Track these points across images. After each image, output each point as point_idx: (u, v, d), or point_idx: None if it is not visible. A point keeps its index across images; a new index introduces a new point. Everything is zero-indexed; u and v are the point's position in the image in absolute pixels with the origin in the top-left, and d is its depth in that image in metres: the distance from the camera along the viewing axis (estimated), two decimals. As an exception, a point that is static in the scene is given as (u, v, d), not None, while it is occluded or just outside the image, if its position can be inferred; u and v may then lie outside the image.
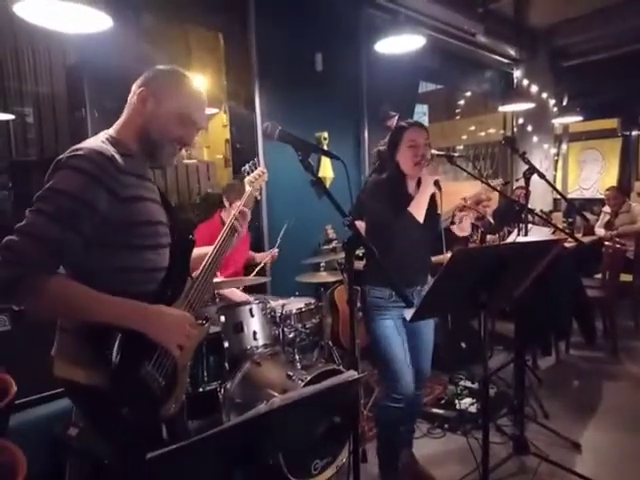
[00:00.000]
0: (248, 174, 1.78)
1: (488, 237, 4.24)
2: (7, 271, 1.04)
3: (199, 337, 1.40)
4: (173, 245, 1.34)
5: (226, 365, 2.40)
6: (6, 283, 1.04)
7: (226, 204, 2.91)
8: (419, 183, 2.11)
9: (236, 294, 2.81)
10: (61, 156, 1.17)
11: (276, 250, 3.14)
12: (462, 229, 2.17)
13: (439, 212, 2.16)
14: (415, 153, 2.01)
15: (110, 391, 1.14)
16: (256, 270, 3.01)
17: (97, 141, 1.22)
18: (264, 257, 3.13)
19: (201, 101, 1.33)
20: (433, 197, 2.04)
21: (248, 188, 1.75)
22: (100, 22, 1.99)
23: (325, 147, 3.78)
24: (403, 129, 2.07)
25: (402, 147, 2.04)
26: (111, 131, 1.29)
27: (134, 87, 1.31)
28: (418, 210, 1.98)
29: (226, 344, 2.41)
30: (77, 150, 1.16)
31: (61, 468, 1.90)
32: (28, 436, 1.61)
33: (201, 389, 2.41)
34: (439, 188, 2.05)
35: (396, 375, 2.05)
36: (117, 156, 1.19)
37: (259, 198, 1.83)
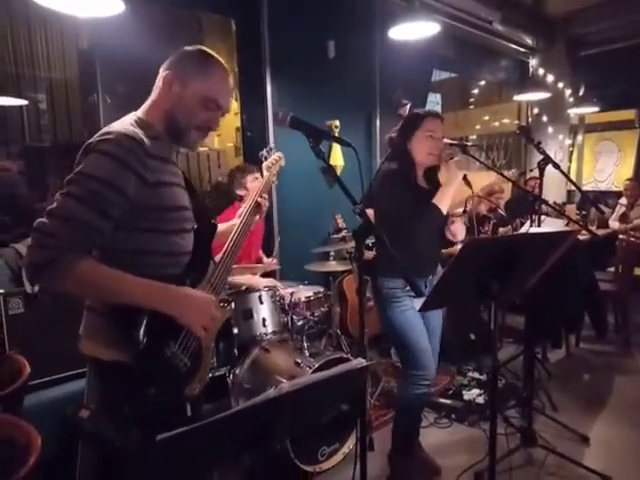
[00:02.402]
0: (265, 159, 1.78)
1: (500, 229, 4.19)
2: (39, 253, 1.06)
3: (222, 319, 1.43)
4: (197, 230, 1.36)
5: (235, 351, 2.42)
6: (38, 264, 1.06)
7: (243, 192, 2.84)
8: (425, 175, 2.09)
9: (258, 281, 2.75)
10: (91, 140, 1.18)
11: (275, 261, 3.07)
12: (453, 234, 2.07)
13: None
14: (435, 145, 1.98)
15: (137, 371, 1.17)
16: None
17: (126, 124, 1.22)
18: (265, 265, 3.04)
19: (227, 84, 1.32)
20: None
21: (266, 173, 1.75)
22: (112, 6, 1.98)
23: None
24: (422, 117, 2.01)
25: (419, 135, 2.00)
26: (139, 113, 1.29)
27: (161, 69, 1.30)
28: (443, 202, 1.94)
29: (235, 330, 2.43)
30: (107, 134, 1.16)
31: (73, 448, 1.93)
32: (41, 417, 1.63)
33: (210, 374, 2.43)
34: (468, 183, 2.01)
35: (423, 364, 2.06)
36: (146, 139, 1.19)
37: (276, 183, 1.84)
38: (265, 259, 3.19)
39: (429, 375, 2.07)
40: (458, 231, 2.06)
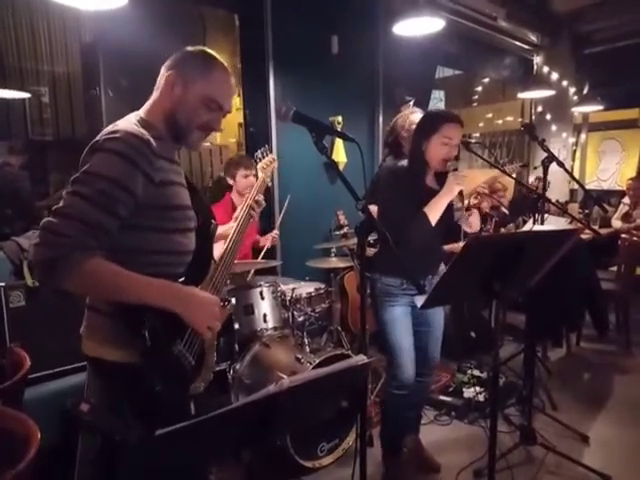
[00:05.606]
0: (260, 160, 1.82)
1: (502, 228, 4.18)
2: (48, 252, 1.05)
3: (223, 318, 1.42)
4: (198, 229, 1.35)
5: (236, 346, 2.42)
6: (46, 263, 1.05)
7: (231, 182, 2.92)
8: (436, 175, 2.07)
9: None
10: (97, 138, 1.16)
11: (276, 232, 3.01)
12: (470, 225, 2.08)
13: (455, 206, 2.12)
14: (450, 152, 1.94)
15: (145, 369, 1.16)
16: (261, 254, 2.92)
17: (130, 123, 1.21)
18: (265, 240, 3.02)
19: (229, 85, 1.31)
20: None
21: (260, 174, 1.79)
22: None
23: (339, 131, 3.73)
24: (442, 120, 1.93)
25: (435, 139, 1.93)
26: (141, 113, 1.28)
27: (162, 69, 1.29)
28: (434, 213, 1.92)
29: (236, 325, 2.43)
30: (114, 133, 1.15)
31: (72, 442, 1.93)
32: (41, 410, 1.63)
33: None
34: (461, 197, 2.00)
35: (399, 364, 2.05)
36: (151, 140, 1.18)
37: (270, 184, 1.87)
38: (262, 238, 3.06)
39: (403, 375, 2.04)
40: (474, 223, 2.08)
